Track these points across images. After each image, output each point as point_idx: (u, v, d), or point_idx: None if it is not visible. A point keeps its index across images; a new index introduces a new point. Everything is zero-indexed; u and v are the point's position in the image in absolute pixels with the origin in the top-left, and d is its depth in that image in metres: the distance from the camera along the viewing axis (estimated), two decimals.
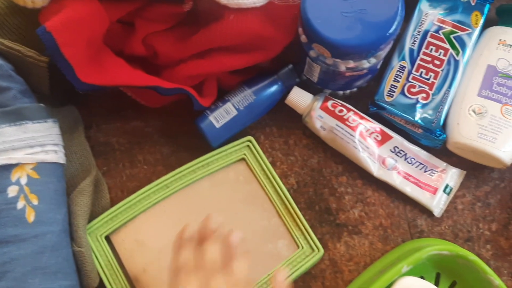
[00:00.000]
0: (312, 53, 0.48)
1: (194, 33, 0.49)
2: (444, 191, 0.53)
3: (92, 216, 0.51)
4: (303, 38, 0.48)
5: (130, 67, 0.50)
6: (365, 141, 0.53)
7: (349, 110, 0.53)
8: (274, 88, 0.53)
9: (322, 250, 0.50)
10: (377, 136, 0.53)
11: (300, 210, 0.52)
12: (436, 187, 0.53)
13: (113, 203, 0.52)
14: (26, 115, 0.47)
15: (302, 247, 0.50)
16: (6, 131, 0.46)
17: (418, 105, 0.52)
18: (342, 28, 0.44)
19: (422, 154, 0.54)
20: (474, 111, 0.51)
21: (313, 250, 0.50)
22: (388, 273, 0.47)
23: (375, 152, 0.53)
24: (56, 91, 0.52)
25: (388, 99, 0.52)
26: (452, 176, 0.54)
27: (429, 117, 0.52)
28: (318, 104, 0.53)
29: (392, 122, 0.53)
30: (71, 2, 0.47)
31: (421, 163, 0.54)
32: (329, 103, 0.53)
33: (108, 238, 0.50)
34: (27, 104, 0.48)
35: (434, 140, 0.52)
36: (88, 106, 0.55)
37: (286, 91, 0.54)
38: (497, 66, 0.52)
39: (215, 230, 0.44)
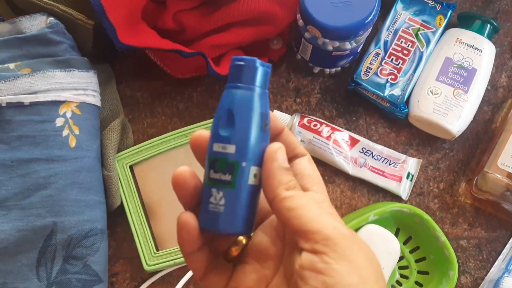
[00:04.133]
0: (307, 35, 0.61)
1: (215, 11, 0.62)
2: (407, 178, 0.65)
3: (119, 151, 0.62)
4: (301, 22, 0.60)
5: (160, 36, 0.62)
6: (338, 147, 0.64)
7: (321, 123, 0.64)
8: None
9: None
10: (347, 141, 0.65)
11: None
12: (400, 175, 0.64)
13: (135, 143, 0.64)
14: (74, 64, 0.58)
15: None
16: (58, 75, 0.57)
17: (388, 84, 0.64)
18: (331, 15, 0.57)
19: (385, 150, 0.65)
20: (431, 92, 0.64)
21: None
22: (357, 219, 0.58)
23: (348, 155, 0.64)
24: (96, 50, 0.63)
25: (364, 78, 0.65)
26: (412, 165, 0.65)
27: (396, 94, 0.64)
28: (296, 122, 0.64)
29: (366, 97, 0.66)
30: None
31: (385, 158, 0.65)
32: (305, 120, 0.64)
33: (131, 169, 0.62)
34: (75, 56, 0.59)
35: (398, 113, 0.64)
36: (120, 66, 0.67)
37: None
38: (453, 59, 0.65)
39: None
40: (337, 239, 0.29)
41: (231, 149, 0.32)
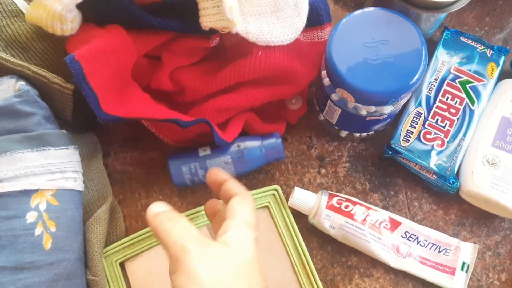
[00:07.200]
0: (334, 96, 0.49)
1: (220, 68, 0.50)
2: (461, 269, 0.52)
3: (106, 245, 0.51)
4: (326, 81, 0.49)
5: (154, 102, 0.51)
6: (376, 233, 0.52)
7: (354, 203, 0.52)
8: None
9: None
10: (386, 224, 0.53)
11: (313, 250, 0.52)
12: (453, 267, 0.52)
13: (127, 232, 0.53)
14: (49, 141, 0.48)
15: None
16: (28, 157, 0.46)
17: (433, 152, 0.53)
18: (367, 75, 0.45)
19: (433, 234, 0.53)
20: (488, 161, 0.52)
21: None
22: None
23: (388, 242, 0.52)
24: (78, 118, 0.52)
25: (404, 144, 0.53)
26: (467, 252, 0.53)
27: (444, 164, 0.53)
28: (324, 203, 0.52)
29: (406, 167, 0.54)
30: (100, 33, 0.48)
31: (434, 244, 0.53)
32: (334, 200, 0.52)
33: (122, 265, 0.50)
34: (50, 130, 0.48)
35: (448, 187, 0.53)
36: (108, 134, 0.56)
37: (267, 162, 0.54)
38: (511, 118, 0.53)
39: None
40: None
41: None
